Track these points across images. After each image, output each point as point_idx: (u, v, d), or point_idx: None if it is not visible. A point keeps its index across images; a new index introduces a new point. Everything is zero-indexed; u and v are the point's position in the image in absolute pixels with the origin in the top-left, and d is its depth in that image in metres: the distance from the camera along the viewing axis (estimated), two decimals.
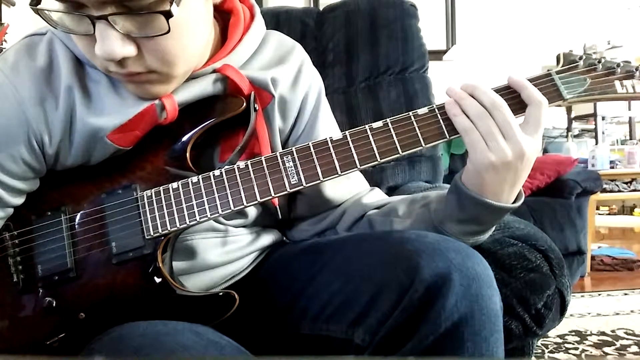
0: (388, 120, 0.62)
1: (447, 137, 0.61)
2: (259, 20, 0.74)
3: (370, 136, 0.61)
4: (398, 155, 0.61)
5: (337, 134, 0.62)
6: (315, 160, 0.61)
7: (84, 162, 0.66)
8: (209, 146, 0.69)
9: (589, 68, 0.65)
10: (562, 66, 0.65)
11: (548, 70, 0.65)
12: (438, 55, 3.38)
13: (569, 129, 3.82)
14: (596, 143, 3.49)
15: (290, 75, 0.75)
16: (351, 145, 0.61)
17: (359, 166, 0.61)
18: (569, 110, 3.99)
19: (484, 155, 0.59)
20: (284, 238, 0.83)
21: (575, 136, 3.93)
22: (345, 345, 0.59)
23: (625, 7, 3.85)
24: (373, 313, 0.56)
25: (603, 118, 3.71)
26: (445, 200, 0.66)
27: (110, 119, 0.63)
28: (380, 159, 0.61)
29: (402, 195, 0.77)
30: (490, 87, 0.62)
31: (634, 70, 0.65)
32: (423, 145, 0.61)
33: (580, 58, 0.65)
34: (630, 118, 3.89)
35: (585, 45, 3.43)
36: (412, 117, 0.62)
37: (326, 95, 0.81)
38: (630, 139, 3.85)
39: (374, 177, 1.29)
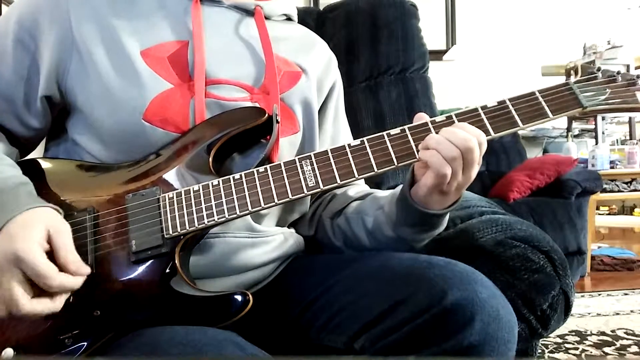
0: (405, 127, 0.64)
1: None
2: None
3: (388, 142, 0.63)
4: (415, 159, 0.63)
5: (352, 140, 0.65)
6: (333, 164, 0.63)
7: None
8: (229, 153, 0.70)
9: (609, 79, 0.65)
10: (580, 77, 0.66)
11: (566, 80, 0.66)
12: (438, 55, 3.37)
13: (569, 129, 3.81)
14: (596, 143, 3.48)
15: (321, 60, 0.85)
16: (368, 150, 0.63)
17: (376, 170, 0.63)
18: None
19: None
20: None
21: (575, 136, 3.92)
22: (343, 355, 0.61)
23: (625, 7, 3.84)
24: (380, 325, 0.58)
25: (603, 118, 3.70)
26: (395, 208, 0.69)
27: (145, 38, 0.70)
28: (398, 164, 0.63)
29: (375, 190, 0.82)
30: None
31: None
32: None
33: (599, 69, 0.65)
34: (630, 118, 3.88)
35: (585, 45, 3.42)
36: (430, 124, 0.64)
37: None
38: (630, 139, 3.84)
39: (374, 177, 1.28)
